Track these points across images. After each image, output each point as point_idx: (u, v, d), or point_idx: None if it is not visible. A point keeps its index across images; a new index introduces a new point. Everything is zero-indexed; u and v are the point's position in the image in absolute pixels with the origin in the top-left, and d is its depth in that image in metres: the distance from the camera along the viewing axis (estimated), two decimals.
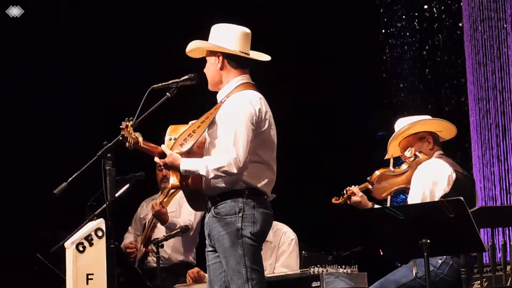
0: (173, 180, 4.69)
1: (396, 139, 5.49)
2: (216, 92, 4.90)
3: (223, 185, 4.68)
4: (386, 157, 5.65)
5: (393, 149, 5.55)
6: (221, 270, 4.75)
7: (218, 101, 4.85)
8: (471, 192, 5.39)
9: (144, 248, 7.07)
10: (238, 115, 4.66)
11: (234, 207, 4.67)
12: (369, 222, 4.88)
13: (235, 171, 4.58)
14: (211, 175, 4.60)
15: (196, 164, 4.63)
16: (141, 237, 7.15)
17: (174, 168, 4.64)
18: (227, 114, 4.69)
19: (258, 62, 4.95)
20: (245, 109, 4.68)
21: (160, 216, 6.87)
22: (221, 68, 4.84)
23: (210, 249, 4.82)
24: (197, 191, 4.74)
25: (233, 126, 4.62)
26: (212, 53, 4.86)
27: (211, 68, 4.86)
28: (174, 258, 7.07)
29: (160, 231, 6.99)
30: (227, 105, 4.74)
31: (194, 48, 4.89)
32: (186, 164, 4.63)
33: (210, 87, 4.91)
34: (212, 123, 4.72)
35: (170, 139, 4.68)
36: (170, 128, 4.78)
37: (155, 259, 7.11)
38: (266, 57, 4.95)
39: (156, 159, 4.69)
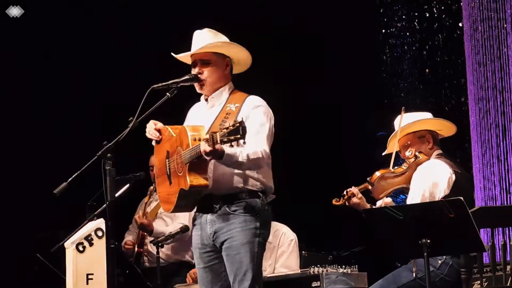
0: (199, 181, 4.65)
1: (396, 137, 5.50)
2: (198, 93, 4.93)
3: (241, 185, 4.73)
4: (384, 153, 5.64)
5: (392, 146, 5.56)
6: (222, 269, 4.76)
7: (215, 104, 4.87)
8: (469, 192, 5.40)
9: (137, 248, 7.10)
10: (268, 119, 4.78)
11: (253, 207, 4.73)
12: (369, 222, 4.88)
13: (264, 162, 4.71)
14: (249, 163, 4.64)
15: (233, 150, 4.62)
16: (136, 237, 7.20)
17: (220, 154, 4.57)
18: (258, 115, 4.76)
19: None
20: (271, 114, 4.83)
21: (145, 228, 6.93)
22: (228, 73, 4.90)
23: (209, 249, 4.80)
24: (207, 191, 4.74)
25: (265, 126, 4.74)
26: (220, 56, 4.86)
27: (218, 71, 4.88)
28: (169, 257, 7.07)
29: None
30: (253, 108, 4.79)
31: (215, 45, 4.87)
32: (226, 150, 4.59)
33: (205, 90, 4.88)
34: None
35: (195, 139, 4.64)
36: (189, 128, 4.71)
37: (151, 258, 7.12)
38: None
39: (206, 146, 4.54)
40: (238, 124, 4.36)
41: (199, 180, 4.63)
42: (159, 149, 4.95)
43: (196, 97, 5.02)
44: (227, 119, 4.73)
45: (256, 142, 4.65)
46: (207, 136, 4.48)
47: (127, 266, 7.03)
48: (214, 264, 4.80)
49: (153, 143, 4.99)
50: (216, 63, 4.88)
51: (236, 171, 4.72)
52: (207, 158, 4.58)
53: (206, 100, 4.94)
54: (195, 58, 4.90)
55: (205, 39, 4.88)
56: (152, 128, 4.88)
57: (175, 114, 5.12)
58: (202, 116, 4.89)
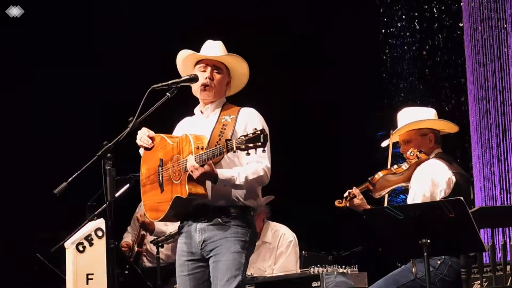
0: (197, 189, 4.63)
1: (398, 132, 5.50)
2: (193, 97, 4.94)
3: (237, 199, 4.74)
4: (384, 144, 5.63)
5: (394, 139, 5.56)
6: (205, 278, 4.76)
7: (209, 115, 4.88)
8: (469, 192, 5.39)
9: (137, 248, 7.09)
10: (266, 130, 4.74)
11: (245, 222, 4.75)
12: (369, 222, 4.88)
13: (268, 179, 4.73)
14: (247, 184, 4.67)
15: (230, 173, 4.66)
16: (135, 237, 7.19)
17: (211, 177, 4.61)
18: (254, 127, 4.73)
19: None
20: (266, 125, 4.81)
21: (146, 227, 6.93)
22: (226, 90, 4.95)
23: (195, 258, 4.80)
24: (200, 201, 4.73)
25: None
26: (227, 71, 4.93)
27: (224, 83, 4.93)
28: (168, 257, 7.07)
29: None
30: (249, 119, 4.79)
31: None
32: (222, 174, 4.63)
33: (208, 95, 4.88)
34: (234, 135, 4.71)
35: (198, 148, 4.63)
36: (192, 137, 4.68)
37: (150, 258, 7.12)
38: None
39: (194, 165, 4.56)
40: (258, 132, 4.36)
41: (197, 189, 4.63)
42: (149, 157, 4.93)
43: (194, 98, 5.01)
44: (225, 130, 4.74)
45: (257, 159, 4.65)
46: (222, 143, 4.48)
47: (127, 266, 7.03)
48: (197, 273, 4.79)
49: (141, 151, 4.98)
50: (224, 75, 4.92)
51: None
52: (194, 176, 4.56)
53: (201, 111, 4.94)
54: (207, 62, 4.91)
55: (222, 49, 4.93)
56: (144, 135, 4.87)
57: (175, 114, 5.12)
58: (197, 127, 4.88)
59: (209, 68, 4.89)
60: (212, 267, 4.72)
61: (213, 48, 4.93)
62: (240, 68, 4.94)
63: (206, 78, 4.86)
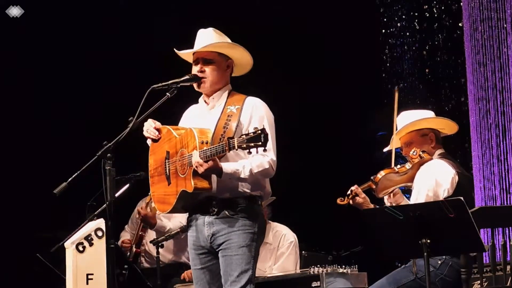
0: (203, 184, 4.64)
1: (399, 134, 5.50)
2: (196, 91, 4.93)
3: (243, 190, 4.74)
4: (386, 149, 5.63)
5: (395, 143, 5.56)
6: (218, 271, 4.76)
7: (215, 105, 4.87)
8: (470, 192, 5.39)
9: (135, 249, 7.08)
10: (270, 122, 4.77)
11: (252, 212, 4.75)
12: (369, 222, 4.88)
13: (273, 172, 4.74)
14: (252, 177, 4.66)
15: (235, 167, 4.66)
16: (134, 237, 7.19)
17: (215, 171, 4.62)
18: (259, 119, 4.73)
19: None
20: (272, 116, 4.82)
21: (147, 220, 6.90)
22: (228, 75, 4.91)
23: (205, 251, 4.81)
24: (207, 194, 4.73)
25: (270, 132, 4.68)
26: (223, 57, 4.88)
27: (220, 71, 4.88)
28: (166, 258, 7.06)
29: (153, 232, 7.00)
30: (255, 110, 4.78)
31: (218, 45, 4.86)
32: (226, 168, 4.64)
33: (205, 89, 4.88)
34: (239, 127, 4.73)
35: (202, 142, 4.64)
36: (196, 131, 4.69)
37: (148, 259, 7.10)
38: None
39: (199, 161, 4.58)
40: (259, 132, 4.37)
41: (203, 183, 4.64)
42: (157, 149, 4.94)
43: (194, 97, 5.01)
44: (230, 121, 4.73)
45: (262, 152, 4.63)
46: (224, 140, 4.48)
47: (127, 266, 7.03)
48: (211, 265, 4.80)
49: (149, 142, 4.99)
50: (218, 63, 4.88)
51: None
52: (199, 171, 4.57)
53: (205, 101, 4.93)
54: (197, 56, 4.90)
55: (209, 38, 4.88)
56: (151, 127, 4.87)
57: (174, 114, 5.12)
58: (202, 118, 4.87)
59: (199, 62, 4.88)
60: (222, 262, 4.73)
61: (200, 40, 4.92)
62: (235, 51, 4.90)
63: (197, 72, 4.86)
